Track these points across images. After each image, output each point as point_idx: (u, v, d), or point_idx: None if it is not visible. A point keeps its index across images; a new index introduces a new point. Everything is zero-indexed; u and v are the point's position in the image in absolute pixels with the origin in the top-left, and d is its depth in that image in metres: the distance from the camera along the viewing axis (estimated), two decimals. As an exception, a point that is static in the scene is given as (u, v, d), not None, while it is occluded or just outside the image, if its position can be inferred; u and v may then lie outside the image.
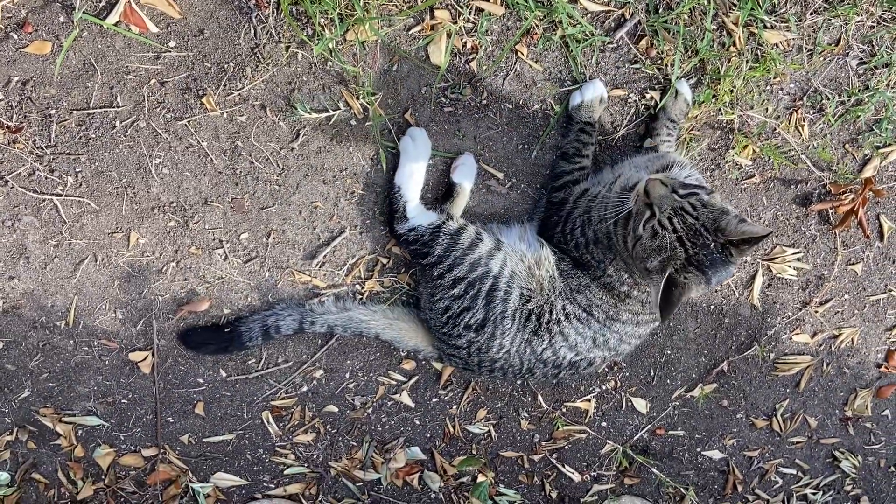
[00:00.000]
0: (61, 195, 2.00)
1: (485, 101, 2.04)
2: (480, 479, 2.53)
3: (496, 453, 2.52)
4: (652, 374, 2.47)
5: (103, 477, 2.32)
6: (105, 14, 1.83)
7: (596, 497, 2.63)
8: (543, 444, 2.53)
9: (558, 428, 2.50)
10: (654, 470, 2.61)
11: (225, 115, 1.97)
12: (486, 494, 2.50)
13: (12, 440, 2.24)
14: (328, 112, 2.00)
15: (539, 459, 2.56)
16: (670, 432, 2.58)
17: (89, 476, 2.32)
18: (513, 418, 2.48)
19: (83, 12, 1.80)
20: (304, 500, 2.48)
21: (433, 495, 2.54)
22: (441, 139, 2.07)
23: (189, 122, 1.96)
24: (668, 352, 2.44)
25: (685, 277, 1.68)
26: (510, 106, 2.06)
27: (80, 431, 2.27)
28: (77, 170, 1.98)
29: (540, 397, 2.45)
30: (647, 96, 2.06)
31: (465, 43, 1.97)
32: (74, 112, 1.92)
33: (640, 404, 2.51)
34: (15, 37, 1.82)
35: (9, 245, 2.03)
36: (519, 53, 1.99)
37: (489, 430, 2.49)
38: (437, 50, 1.96)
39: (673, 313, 2.14)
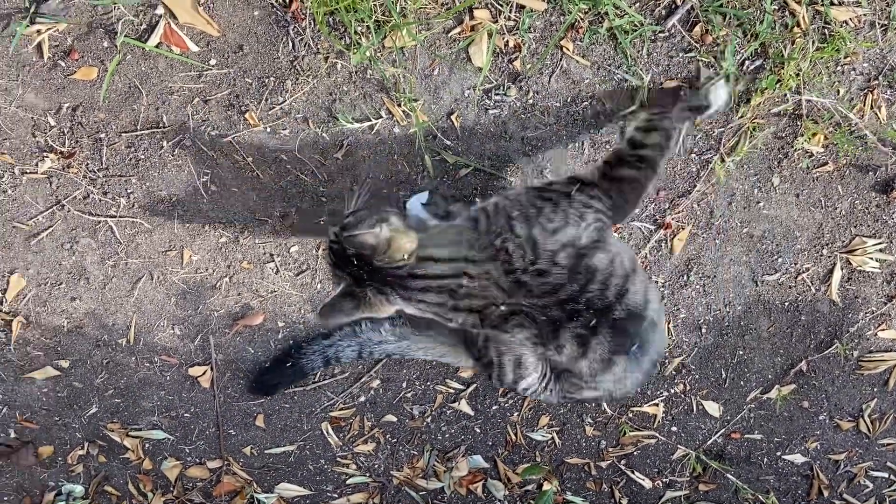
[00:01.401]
0: (115, 216, 2.04)
1: (531, 101, 1.96)
2: (546, 486, 2.46)
3: (561, 460, 2.45)
4: (723, 375, 2.33)
5: (172, 489, 2.37)
6: (146, 36, 1.84)
7: (669, 504, 2.52)
8: (610, 450, 2.44)
9: (625, 434, 2.40)
10: (730, 476, 2.47)
11: (268, 129, 1.96)
12: (551, 502, 2.43)
13: (84, 454, 2.31)
14: (370, 121, 1.96)
15: (607, 466, 2.47)
16: (746, 436, 2.44)
17: (158, 488, 2.38)
18: (577, 425, 2.40)
19: (125, 36, 1.82)
20: (367, 510, 2.47)
21: (498, 503, 2.48)
22: (487, 143, 2.01)
23: (233, 138, 1.96)
24: (741, 352, 2.30)
25: None
26: (558, 104, 1.98)
27: (147, 445, 2.32)
28: (129, 191, 2.01)
29: (604, 403, 2.36)
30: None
31: (507, 42, 1.89)
32: (123, 134, 1.95)
33: (713, 407, 2.38)
34: (63, 64, 1.86)
35: (69, 267, 2.08)
36: (564, 49, 1.90)
37: (552, 437, 2.41)
38: (479, 51, 1.89)
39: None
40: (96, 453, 2.31)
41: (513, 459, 2.44)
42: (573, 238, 1.56)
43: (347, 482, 2.44)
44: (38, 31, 1.79)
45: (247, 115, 1.94)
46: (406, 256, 1.54)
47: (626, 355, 1.62)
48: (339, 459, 2.40)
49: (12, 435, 2.27)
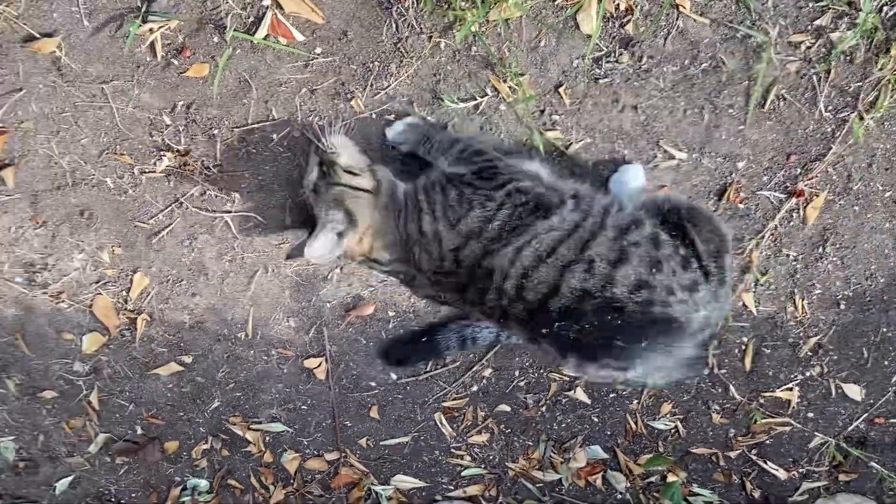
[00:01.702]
0: (231, 212, 2.07)
1: (645, 67, 1.86)
2: (671, 478, 2.34)
3: (686, 450, 2.31)
4: (865, 355, 2.14)
5: (292, 481, 2.39)
6: (254, 29, 1.86)
7: (806, 496, 2.34)
8: (740, 439, 2.29)
9: (756, 421, 2.25)
10: (874, 464, 2.27)
11: (374, 115, 1.94)
12: (679, 495, 2.30)
13: (208, 448, 2.36)
14: (475, 100, 1.91)
15: (736, 456, 2.31)
16: (892, 421, 2.23)
17: (279, 480, 2.40)
18: (702, 412, 2.26)
19: (234, 30, 1.84)
20: (483, 502, 2.41)
21: (619, 496, 2.38)
22: (598, 115, 1.92)
23: (341, 126, 1.95)
24: (884, 329, 2.11)
25: None
26: (674, 68, 1.86)
27: (267, 438, 2.35)
28: (242, 185, 2.04)
29: (732, 388, 2.21)
30: (836, 37, 1.78)
31: (618, 5, 1.80)
32: (235, 130, 1.98)
33: (853, 391, 2.19)
34: (175, 63, 1.91)
35: (189, 263, 2.13)
36: (681, 8, 1.79)
37: (676, 426, 2.28)
38: (587, 17, 1.80)
39: None
40: (219, 447, 2.36)
41: (633, 450, 2.33)
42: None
43: (462, 474, 2.39)
44: (151, 30, 1.84)
45: (353, 103, 1.93)
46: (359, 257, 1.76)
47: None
48: (453, 450, 2.35)
49: (139, 431, 2.35)
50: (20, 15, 1.85)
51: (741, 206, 2.02)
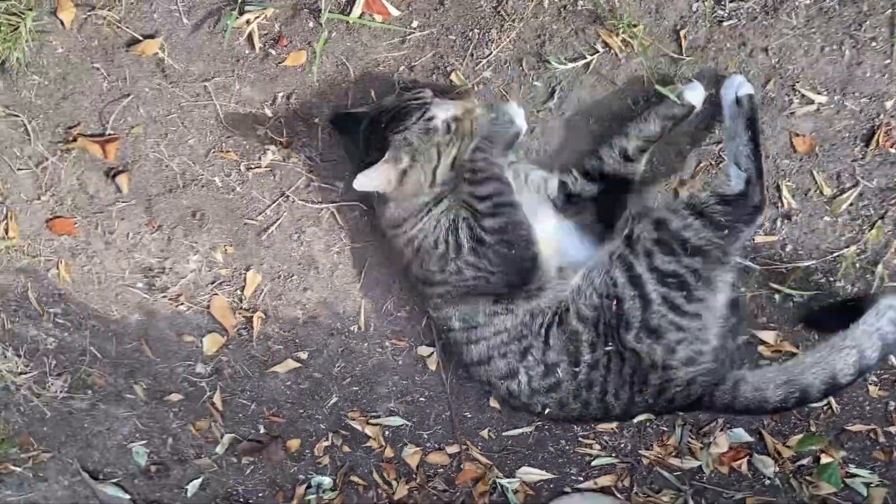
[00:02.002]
0: (336, 202, 2.03)
1: (773, 3, 1.68)
2: (826, 459, 2.12)
3: (840, 428, 2.09)
4: None
5: (414, 476, 2.34)
6: (349, 9, 1.81)
7: (979, 471, 2.07)
8: (902, 412, 2.05)
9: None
10: None
11: (475, 87, 1.85)
12: (837, 476, 2.09)
13: (329, 445, 2.34)
14: (585, 58, 1.78)
15: (897, 431, 2.08)
16: None
17: (401, 476, 2.35)
18: (857, 385, 2.04)
19: (329, 12, 1.80)
20: (617, 493, 2.27)
21: (768, 481, 2.18)
22: (724, 62, 1.75)
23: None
24: None
25: None
26: (807, 2, 1.68)
27: (386, 432, 2.31)
28: (346, 174, 2.00)
29: (892, 356, 1.98)
30: None
31: (740, -65, 1.63)
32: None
33: None
34: (273, 53, 1.89)
35: (299, 258, 2.11)
36: (811, -70, 1.60)
37: (828, 403, 2.07)
38: (705, -46, 1.65)
39: None
40: (340, 443, 2.33)
41: (781, 431, 2.13)
42: None
43: (592, 464, 2.26)
44: (248, 21, 1.82)
45: (452, 76, 1.84)
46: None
47: None
48: (580, 439, 2.23)
49: (262, 430, 2.35)
50: (122, 19, 1.88)
51: (892, 150, 1.80)
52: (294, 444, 2.35)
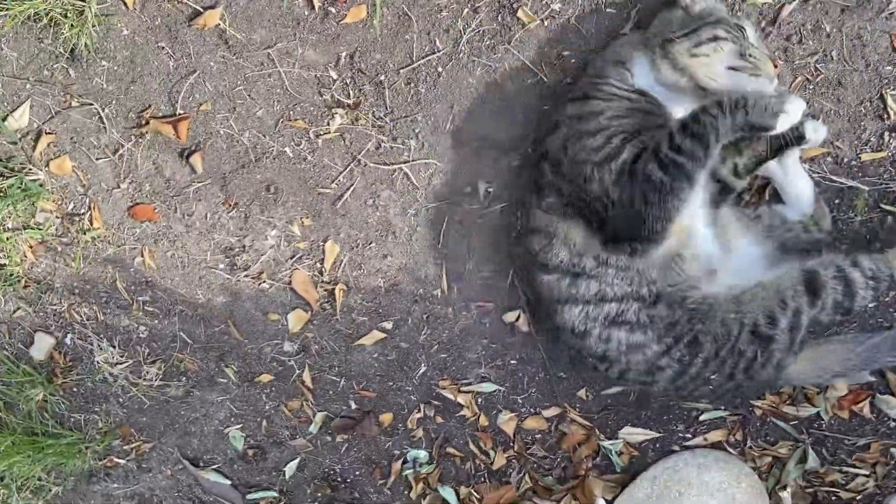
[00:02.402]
0: (409, 161, 1.98)
1: None
2: (960, 392, 1.94)
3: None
4: None
5: (512, 444, 2.26)
6: (405, -45, 1.76)
7: None
8: None
9: None
10: None
11: (546, 22, 1.76)
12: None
13: (422, 417, 2.29)
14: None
15: None
16: None
17: (498, 445, 2.28)
18: None
19: (385, -40, 1.76)
20: (729, 448, 2.13)
21: (894, 423, 2.00)
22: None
23: (511, 43, 1.79)
24: None
25: None
26: None
27: (479, 399, 2.24)
28: (416, 131, 1.94)
29: None
30: None
31: None
32: (401, 71, 1.89)
33: None
34: (333, 10, 1.85)
35: (375, 223, 2.07)
36: None
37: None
38: None
39: None
40: (433, 414, 2.28)
41: (905, 368, 1.95)
42: None
43: (700, 418, 2.13)
44: (306, -20, 1.79)
45: (520, 13, 1.76)
46: None
47: None
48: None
49: (353, 406, 2.32)
50: (182, -8, 1.89)
51: None
52: (387, 418, 2.31)
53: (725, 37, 1.54)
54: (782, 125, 1.48)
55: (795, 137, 1.63)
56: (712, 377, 1.72)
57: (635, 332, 1.69)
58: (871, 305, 1.89)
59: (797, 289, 1.64)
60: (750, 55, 1.55)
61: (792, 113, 1.47)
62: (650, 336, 1.69)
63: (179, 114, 2.00)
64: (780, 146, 1.64)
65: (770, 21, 1.70)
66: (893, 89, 1.72)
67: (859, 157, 1.79)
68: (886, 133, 1.75)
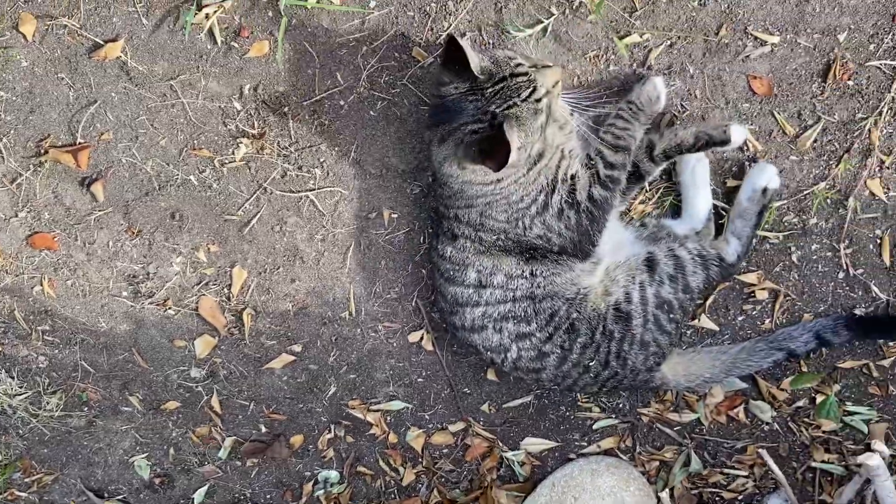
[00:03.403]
0: (314, 189, 2.04)
1: (718, -53, 1.73)
2: (821, 397, 2.14)
3: (833, 367, 2.12)
4: None
5: (420, 459, 2.34)
6: (306, -6, 1.84)
7: (982, 396, 2.10)
8: (891, 344, 2.07)
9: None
10: None
11: (438, 59, 1.87)
12: (835, 410, 2.11)
13: (332, 437, 2.34)
14: (542, 22, 1.82)
15: (890, 364, 2.10)
16: None
17: (408, 461, 2.35)
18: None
19: (286, -1, 1.83)
20: (621, 454, 2.28)
21: (766, 426, 2.20)
22: (676, 13, 1.79)
23: (407, 79, 1.90)
24: None
25: None
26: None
27: (388, 418, 2.31)
28: (321, 160, 2.01)
29: (874, 287, 2.01)
30: None
31: None
32: (304, 104, 1.96)
33: None
34: (236, 45, 1.90)
35: (283, 249, 2.12)
36: None
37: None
38: None
39: None
40: (343, 434, 2.33)
41: (774, 374, 2.15)
42: None
43: (594, 427, 2.27)
44: (207, 16, 1.84)
45: (414, 52, 1.87)
46: None
47: None
48: (580, 404, 2.24)
49: (263, 430, 2.35)
50: (82, 25, 1.89)
51: (850, 83, 1.84)
52: (297, 440, 2.35)
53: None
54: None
55: (720, 141, 1.81)
56: (591, 364, 1.90)
57: (521, 323, 1.87)
58: (740, 319, 2.09)
59: (640, 267, 1.88)
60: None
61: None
62: (534, 326, 1.87)
63: (80, 143, 2.00)
64: (706, 142, 1.81)
65: (640, 63, 1.87)
66: (751, 124, 1.91)
67: (725, 184, 1.98)
68: (747, 163, 1.95)
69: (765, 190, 1.87)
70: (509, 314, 1.86)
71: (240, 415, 2.32)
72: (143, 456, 2.39)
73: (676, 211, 1.99)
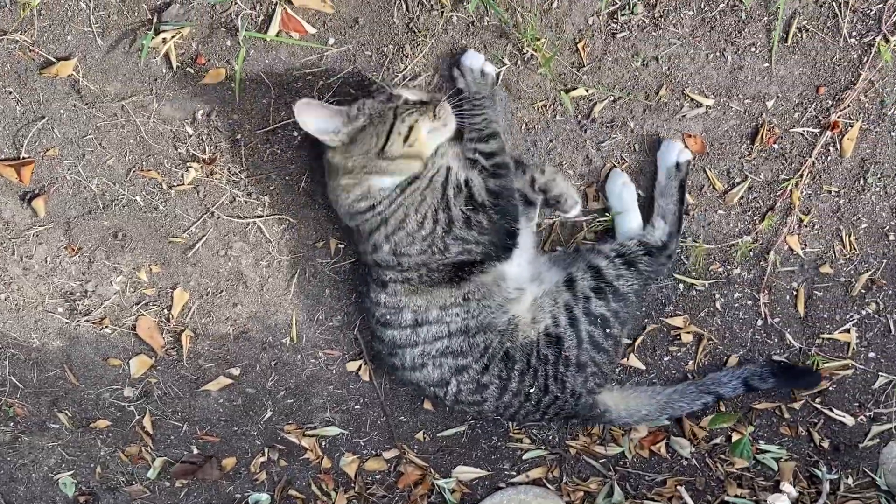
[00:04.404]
0: (262, 216, 2.06)
1: (660, 15, 1.84)
2: (737, 436, 2.28)
3: (748, 407, 2.26)
4: (921, 286, 2.09)
5: (353, 485, 2.36)
6: (266, 27, 1.86)
7: (878, 440, 2.26)
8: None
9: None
10: (948, 400, 2.21)
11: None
12: (749, 450, 2.24)
13: (265, 461, 2.34)
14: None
15: (800, 407, 2.25)
16: (962, 354, 2.17)
17: (340, 485, 2.37)
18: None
19: (246, 30, 1.85)
20: (548, 484, 2.36)
21: (685, 462, 2.32)
22: (620, 71, 1.90)
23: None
24: (938, 256, 2.05)
25: None
26: (691, 12, 1.84)
27: (323, 443, 2.33)
28: (270, 188, 2.03)
29: (788, 335, 2.16)
30: None
31: (627, -45, 1.78)
32: (257, 132, 1.98)
33: (915, 324, 2.13)
34: (191, 71, 1.91)
35: (227, 273, 2.12)
36: (690, -51, 1.77)
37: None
38: (597, -29, 1.79)
39: None
40: (277, 458, 2.33)
41: (695, 413, 2.27)
42: None
43: (524, 458, 2.34)
44: (164, 41, 1.84)
45: (371, 90, 1.91)
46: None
47: None
48: (511, 435, 2.31)
49: (195, 451, 2.33)
50: (35, 42, 1.87)
51: (776, 146, 1.98)
52: (229, 462, 2.34)
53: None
54: None
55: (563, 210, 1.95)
56: (531, 391, 1.93)
57: (458, 357, 1.91)
58: (666, 359, 2.21)
59: (560, 289, 1.91)
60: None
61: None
62: (470, 359, 1.90)
63: (24, 157, 1.97)
64: (554, 204, 1.94)
65: (585, 115, 1.97)
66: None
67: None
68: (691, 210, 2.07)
69: (678, 164, 1.93)
70: (447, 350, 1.90)
71: (172, 435, 2.30)
72: (69, 473, 2.34)
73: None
